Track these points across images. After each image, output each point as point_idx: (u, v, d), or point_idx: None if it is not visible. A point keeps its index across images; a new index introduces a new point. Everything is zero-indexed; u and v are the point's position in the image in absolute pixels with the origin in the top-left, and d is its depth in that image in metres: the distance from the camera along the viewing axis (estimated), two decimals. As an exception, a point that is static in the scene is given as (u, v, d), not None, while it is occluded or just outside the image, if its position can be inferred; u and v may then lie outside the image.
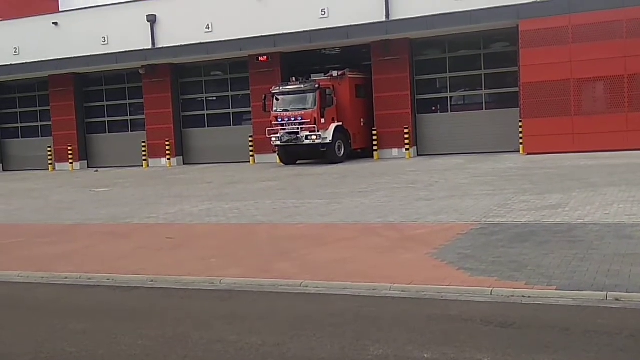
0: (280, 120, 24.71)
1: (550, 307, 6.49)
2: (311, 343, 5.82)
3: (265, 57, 27.24)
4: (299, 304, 7.24)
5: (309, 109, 24.26)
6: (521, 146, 23.73)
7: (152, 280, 8.59)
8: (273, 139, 24.95)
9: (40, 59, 30.70)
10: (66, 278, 9.06)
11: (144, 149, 30.29)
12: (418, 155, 26.25)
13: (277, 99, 24.98)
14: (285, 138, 24.55)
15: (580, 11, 22.29)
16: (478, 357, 5.26)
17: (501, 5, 23.21)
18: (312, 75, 25.75)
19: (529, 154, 23.11)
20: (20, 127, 34.70)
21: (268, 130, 25.08)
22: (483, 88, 25.87)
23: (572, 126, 22.76)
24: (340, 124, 25.05)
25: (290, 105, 24.69)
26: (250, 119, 28.61)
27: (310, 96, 24.38)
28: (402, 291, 7.28)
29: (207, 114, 30.43)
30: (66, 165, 31.99)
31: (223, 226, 12.50)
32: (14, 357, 5.98)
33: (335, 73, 25.33)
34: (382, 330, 6.02)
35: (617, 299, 6.48)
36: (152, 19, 29.64)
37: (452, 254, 8.68)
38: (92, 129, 32.76)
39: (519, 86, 23.95)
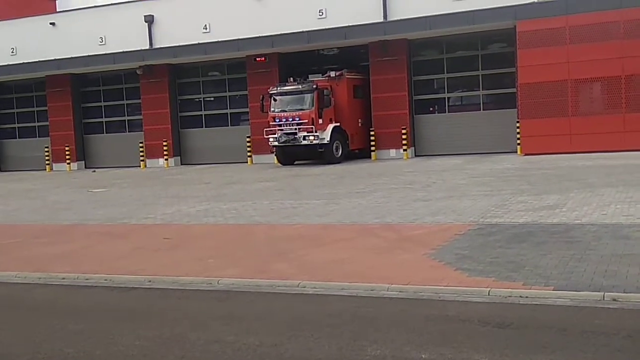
0: (278, 120, 24.70)
1: (547, 307, 6.50)
2: (309, 343, 5.82)
3: (263, 58, 27.26)
4: (297, 304, 7.24)
5: (307, 109, 24.26)
6: (519, 147, 23.75)
7: (149, 281, 8.59)
8: (271, 139, 24.94)
9: (37, 59, 30.66)
10: (63, 279, 9.06)
11: (141, 149, 30.26)
12: (416, 155, 26.26)
13: (275, 100, 24.98)
14: (283, 138, 24.55)
15: (578, 12, 22.33)
16: (475, 357, 5.27)
17: (499, 6, 23.23)
18: (309, 75, 25.75)
19: (526, 154, 23.13)
20: (18, 127, 34.66)
21: (266, 130, 25.07)
22: (481, 89, 25.90)
23: (569, 127, 22.78)
24: (338, 124, 25.06)
25: (288, 106, 24.68)
26: (248, 120, 28.61)
27: (308, 97, 24.38)
28: (400, 292, 7.29)
29: (204, 115, 30.42)
30: (63, 166, 31.94)
31: (221, 227, 12.49)
32: (12, 357, 5.97)
33: (333, 73, 25.33)
34: (380, 331, 6.03)
35: (614, 300, 6.49)
36: (149, 20, 29.63)
37: (449, 255, 8.69)
38: (89, 130, 32.73)
39: (516, 87, 23.98)
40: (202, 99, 30.59)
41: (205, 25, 28.40)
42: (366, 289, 7.46)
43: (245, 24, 27.19)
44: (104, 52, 29.68)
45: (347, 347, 5.66)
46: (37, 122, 33.82)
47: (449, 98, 26.64)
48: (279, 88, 25.13)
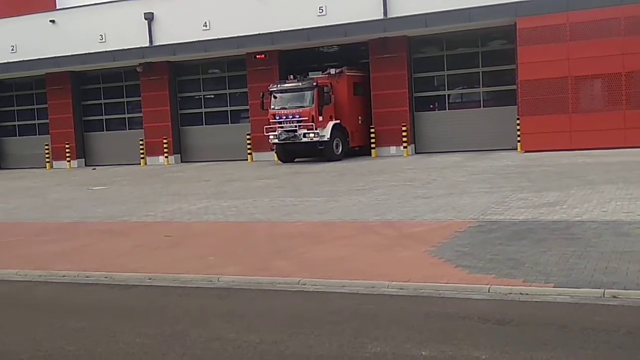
0: (278, 118, 24.69)
1: (547, 304, 6.51)
2: (309, 341, 5.83)
3: (263, 55, 27.24)
4: (297, 301, 7.24)
5: (307, 106, 24.25)
6: (519, 144, 23.75)
7: (150, 278, 8.59)
8: (271, 136, 24.94)
9: (37, 57, 30.66)
10: (64, 276, 9.06)
11: (141, 146, 30.26)
12: (416, 153, 26.26)
13: (275, 97, 24.97)
14: (283, 136, 24.54)
15: (578, 9, 22.31)
16: (476, 354, 5.27)
17: (499, 2, 23.21)
18: (310, 73, 25.72)
19: (526, 151, 23.13)
20: (18, 125, 34.66)
21: (266, 128, 25.06)
22: (481, 86, 25.89)
23: (569, 124, 22.78)
24: (338, 121, 25.05)
25: (288, 103, 24.67)
26: (248, 117, 28.61)
27: (308, 94, 24.37)
28: (400, 289, 7.29)
29: (204, 112, 30.42)
30: (64, 164, 31.94)
31: (221, 224, 12.50)
32: (13, 355, 5.98)
33: (333, 71, 25.32)
34: (380, 328, 6.03)
35: (614, 296, 6.50)
36: (149, 17, 29.61)
37: (450, 252, 8.69)
38: (89, 127, 32.73)
39: (516, 84, 23.97)
40: (202, 97, 30.58)
41: (205, 23, 28.37)
42: (366, 286, 7.47)
43: (245, 22, 27.16)
44: (104, 50, 29.66)
45: (348, 344, 5.67)
46: (37, 119, 33.82)
47: (449, 95, 26.63)
48: (279, 85, 25.12)
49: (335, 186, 17.01)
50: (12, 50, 32.21)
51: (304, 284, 7.75)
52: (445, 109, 26.56)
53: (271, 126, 24.83)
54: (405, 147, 25.64)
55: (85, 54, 29.73)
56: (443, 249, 8.92)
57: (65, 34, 31.05)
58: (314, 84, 24.34)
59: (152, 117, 30.33)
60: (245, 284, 8.00)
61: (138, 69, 30.05)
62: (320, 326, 6.21)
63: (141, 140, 30.35)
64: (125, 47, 29.21)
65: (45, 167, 32.29)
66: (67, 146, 31.80)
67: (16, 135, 34.73)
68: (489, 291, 6.96)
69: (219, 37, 27.43)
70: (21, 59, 31.19)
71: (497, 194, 13.56)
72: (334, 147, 24.83)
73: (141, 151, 30.27)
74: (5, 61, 31.61)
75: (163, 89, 30.06)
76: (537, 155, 21.54)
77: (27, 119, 34.24)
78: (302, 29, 25.86)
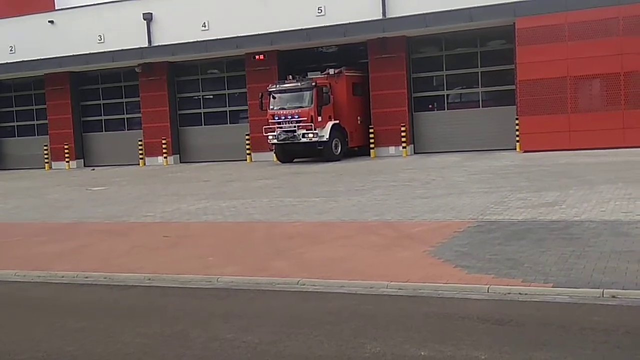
0: (277, 118, 24.69)
1: (546, 304, 6.51)
2: (308, 341, 5.83)
3: (262, 56, 27.24)
4: (296, 302, 7.24)
5: (306, 107, 24.26)
6: (518, 144, 23.76)
7: (149, 279, 8.59)
8: (270, 137, 24.94)
9: (36, 58, 30.65)
10: (63, 277, 9.05)
11: (140, 147, 30.26)
12: (415, 153, 26.26)
13: (274, 97, 24.97)
14: (282, 136, 24.54)
15: (577, 9, 22.33)
16: (475, 354, 5.28)
17: (498, 3, 23.23)
18: (309, 73, 25.73)
19: (525, 151, 23.14)
20: (17, 125, 34.64)
21: (265, 128, 25.06)
22: (480, 86, 25.90)
23: (568, 124, 22.79)
24: (337, 122, 25.05)
25: (287, 104, 24.68)
26: (247, 117, 28.61)
27: (307, 94, 24.37)
28: (399, 289, 7.29)
29: (203, 112, 30.42)
30: (63, 164, 31.93)
31: (220, 224, 12.49)
32: (12, 355, 5.97)
33: (332, 71, 25.32)
34: (379, 328, 6.03)
35: (613, 296, 6.50)
36: (148, 17, 29.61)
37: (449, 252, 8.70)
38: (88, 128, 32.72)
39: (515, 84, 23.98)
40: (201, 97, 30.58)
41: (204, 23, 28.37)
42: (365, 287, 7.46)
43: (244, 22, 27.16)
44: (103, 50, 29.65)
45: (347, 344, 5.67)
46: (36, 120, 33.81)
47: (448, 95, 26.64)
48: (278, 86, 25.12)
49: (334, 186, 17.01)
50: (11, 50, 32.20)
51: (303, 285, 7.75)
52: (444, 109, 26.57)
53: (270, 126, 24.83)
54: (404, 147, 25.65)
55: (84, 54, 29.73)
56: (442, 249, 8.92)
57: (64, 34, 31.05)
58: (313, 84, 24.34)
59: (151, 117, 30.32)
60: (244, 285, 8.00)
61: (137, 70, 30.04)
62: (319, 326, 6.21)
63: (140, 140, 30.35)
64: (124, 48, 29.21)
65: (44, 168, 32.28)
66: (66, 147, 31.78)
67: (15, 136, 34.72)
68: (488, 291, 6.96)
69: (218, 37, 27.42)
70: (20, 60, 31.18)
71: (496, 194, 13.57)
72: (333, 148, 24.83)
73: (140, 152, 30.27)
74: (4, 62, 31.60)
75: (162, 90, 30.06)
76: (536, 155, 21.55)
77: (26, 119, 34.22)
78: (301, 29, 25.86)
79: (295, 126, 24.27)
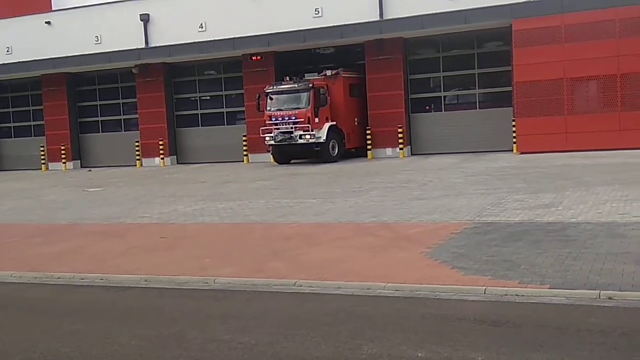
0: (274, 119, 24.69)
1: (543, 305, 6.51)
2: (305, 342, 5.82)
3: (259, 57, 27.23)
4: (293, 303, 7.24)
5: (303, 108, 24.25)
6: (514, 145, 23.78)
7: (146, 280, 8.58)
8: (267, 138, 24.93)
9: (33, 58, 30.57)
10: (59, 278, 9.04)
11: (137, 148, 30.22)
12: (412, 154, 26.27)
13: (271, 99, 24.96)
14: (279, 137, 24.54)
15: (573, 10, 22.36)
16: (472, 355, 5.28)
17: (494, 4, 23.25)
18: (306, 74, 25.72)
19: (522, 153, 23.16)
20: (13, 126, 34.57)
21: (262, 129, 25.05)
22: (477, 87, 25.92)
23: (565, 125, 22.82)
24: (334, 123, 25.05)
25: (284, 105, 24.67)
26: (244, 119, 28.59)
27: (304, 95, 24.37)
28: (396, 290, 7.29)
29: (200, 114, 30.38)
30: (59, 165, 31.88)
31: (217, 226, 12.49)
32: (8, 357, 5.96)
33: (329, 72, 25.33)
34: (376, 330, 6.03)
35: (610, 298, 6.51)
36: (145, 18, 29.59)
37: (445, 253, 8.70)
38: (85, 129, 32.66)
39: (512, 85, 24.00)
40: (198, 98, 30.55)
41: (201, 24, 28.37)
42: (362, 288, 7.46)
43: (241, 23, 27.16)
44: (99, 51, 29.60)
45: (344, 345, 5.66)
46: (33, 121, 33.74)
47: (445, 97, 26.66)
48: (275, 87, 25.11)
49: (331, 188, 17.01)
50: (8, 51, 32.15)
51: (300, 286, 7.75)
52: (441, 111, 26.58)
53: (267, 128, 24.82)
54: (401, 149, 25.65)
55: (81, 55, 29.66)
56: (439, 250, 8.92)
57: (61, 35, 31.00)
58: (310, 85, 24.34)
59: (147, 118, 30.28)
60: (241, 286, 7.99)
61: (134, 71, 30.00)
62: (316, 328, 6.21)
63: (137, 141, 30.31)
64: (121, 49, 29.16)
65: (41, 169, 32.21)
66: (62, 148, 31.73)
67: (11, 137, 34.63)
68: (484, 292, 6.96)
69: (215, 38, 27.40)
70: (17, 60, 31.11)
71: (493, 196, 13.58)
72: (330, 149, 24.83)
73: (137, 153, 30.23)
74: (1, 62, 31.53)
75: (159, 91, 30.03)
76: (532, 157, 21.58)
77: (23, 120, 34.15)
78: (298, 31, 25.86)
79: (292, 127, 24.26)
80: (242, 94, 28.55)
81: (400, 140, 25.57)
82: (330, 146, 24.79)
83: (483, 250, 8.71)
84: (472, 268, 7.86)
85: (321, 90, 24.71)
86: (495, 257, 8.30)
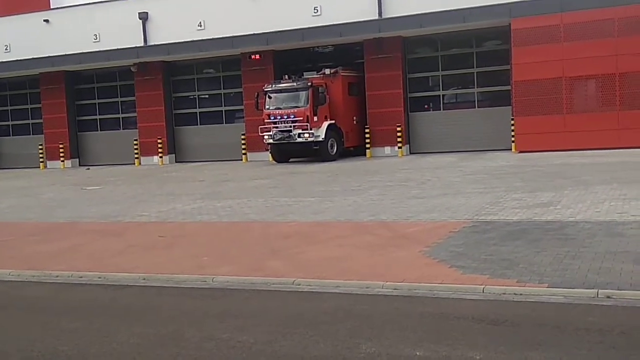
0: (272, 118, 24.67)
1: (541, 304, 6.51)
2: (303, 341, 5.82)
3: (257, 55, 27.21)
4: (291, 302, 7.24)
5: (302, 107, 24.24)
6: (513, 144, 23.79)
7: (144, 279, 8.57)
8: (265, 137, 24.92)
9: (31, 57, 30.57)
10: (58, 276, 9.03)
11: (135, 146, 30.21)
12: (410, 153, 26.28)
13: (270, 97, 24.95)
14: (278, 136, 24.53)
15: (572, 10, 22.36)
16: (470, 354, 5.28)
17: (493, 3, 23.26)
18: (304, 73, 25.71)
19: (521, 152, 23.17)
20: (11, 125, 34.54)
21: (260, 128, 25.04)
22: (475, 86, 25.92)
23: (564, 124, 22.83)
24: (333, 122, 25.04)
25: (282, 103, 24.66)
26: (243, 117, 28.58)
27: (302, 94, 24.36)
28: (395, 289, 7.29)
29: (199, 112, 30.37)
30: (57, 163, 31.86)
31: (215, 224, 12.48)
32: (6, 355, 5.95)
33: (328, 71, 25.33)
34: (375, 328, 6.03)
35: (608, 297, 6.51)
36: (143, 17, 29.56)
37: (444, 252, 8.70)
38: (83, 127, 32.64)
39: (511, 84, 24.01)
40: (196, 97, 30.54)
41: (200, 23, 28.34)
42: (361, 287, 7.46)
43: (240, 21, 27.14)
44: (98, 49, 29.59)
45: (342, 344, 5.66)
46: (31, 119, 33.72)
47: (443, 95, 26.67)
48: (273, 85, 25.09)
49: (329, 186, 17.01)
50: (6, 49, 32.11)
51: (298, 284, 7.75)
52: (440, 110, 26.59)
53: (266, 126, 24.81)
54: (399, 148, 25.66)
55: (80, 53, 29.65)
56: (437, 249, 8.93)
57: (60, 33, 30.97)
58: (309, 84, 24.33)
59: (146, 116, 30.26)
60: (240, 284, 7.99)
61: (132, 69, 29.98)
62: (314, 326, 6.21)
63: (135, 140, 30.29)
64: (119, 47, 29.15)
65: (39, 167, 32.19)
66: (61, 146, 31.70)
67: (10, 135, 34.60)
68: (483, 291, 6.96)
69: (214, 37, 27.38)
70: (15, 59, 31.09)
71: (492, 195, 13.58)
72: (329, 147, 24.83)
73: (135, 151, 30.21)
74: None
75: (157, 89, 30.00)
76: (531, 156, 21.58)
77: (21, 118, 34.13)
78: (297, 29, 25.84)
79: (291, 126, 24.25)
80: (241, 92, 28.55)
81: (399, 139, 25.57)
82: (329, 145, 24.79)
83: (481, 249, 8.71)
84: (471, 267, 7.87)
85: (320, 88, 24.70)
86: (493, 256, 8.30)
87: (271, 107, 24.85)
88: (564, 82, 22.81)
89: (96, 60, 29.65)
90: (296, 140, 24.31)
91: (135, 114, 30.84)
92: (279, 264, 8.80)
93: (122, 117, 32.01)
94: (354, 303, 6.94)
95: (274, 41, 26.56)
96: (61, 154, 31.73)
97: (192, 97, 30.57)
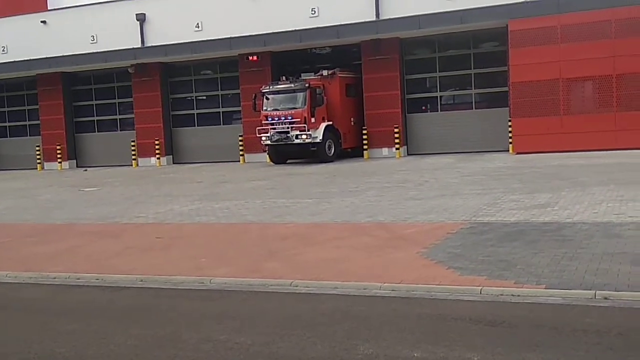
0: (270, 119, 24.68)
1: (539, 305, 6.52)
2: (301, 342, 5.82)
3: (255, 57, 27.21)
4: (289, 303, 7.23)
5: (299, 108, 24.25)
6: (510, 145, 23.82)
7: (141, 280, 8.56)
8: (263, 138, 24.92)
9: (28, 58, 30.55)
10: (55, 278, 9.02)
11: (133, 148, 30.19)
12: (408, 154, 26.29)
13: (267, 98, 24.96)
14: (276, 137, 24.52)
15: (569, 11, 22.41)
16: (468, 355, 5.28)
17: (491, 5, 23.29)
18: (302, 74, 25.73)
19: (518, 153, 23.20)
20: (9, 126, 34.51)
21: (258, 129, 25.04)
22: (473, 87, 25.96)
23: (561, 125, 22.87)
24: (331, 123, 25.06)
25: (280, 105, 24.66)
26: (240, 118, 28.58)
27: (300, 95, 24.36)
28: (392, 290, 7.29)
29: (196, 113, 30.37)
30: (55, 165, 31.82)
31: (213, 226, 12.47)
32: (3, 357, 5.94)
33: (325, 72, 25.33)
34: (372, 330, 6.03)
35: (605, 298, 6.52)
36: (141, 18, 29.55)
37: (442, 253, 8.70)
38: (81, 128, 32.61)
39: (508, 86, 24.05)
40: (194, 98, 30.54)
41: (198, 24, 28.34)
42: (358, 288, 7.46)
43: (238, 23, 27.15)
44: (95, 51, 29.58)
45: (340, 346, 5.66)
46: (28, 120, 33.68)
47: (441, 97, 26.69)
48: (271, 87, 25.10)
49: (327, 188, 17.01)
50: (3, 51, 32.10)
51: (296, 286, 7.74)
52: (438, 111, 26.63)
53: (263, 127, 24.81)
54: (397, 149, 25.68)
55: (77, 54, 29.64)
56: (435, 250, 8.93)
57: (57, 34, 30.95)
58: (306, 85, 24.34)
59: (143, 118, 30.24)
60: (237, 286, 7.98)
61: (130, 70, 29.97)
62: (312, 328, 6.21)
63: (133, 141, 30.27)
64: (116, 48, 29.13)
65: (37, 169, 32.15)
66: (58, 147, 31.67)
67: (7, 137, 34.57)
68: (480, 293, 6.97)
69: (211, 38, 27.39)
70: (12, 60, 31.07)
71: (489, 196, 13.59)
72: (326, 149, 24.83)
73: (133, 152, 30.19)
74: (-4, 62, 31.51)
75: (155, 90, 29.99)
76: (528, 157, 21.61)
77: (18, 119, 34.10)
78: (295, 31, 25.86)
79: (288, 127, 24.26)
80: (239, 93, 28.54)
81: (397, 140, 25.59)
82: (326, 146, 24.79)
83: (479, 251, 8.72)
84: (468, 268, 7.87)
85: (317, 90, 24.72)
86: (491, 257, 8.30)
87: (269, 109, 24.85)
88: (561, 84, 22.85)
89: (93, 61, 29.64)
90: (294, 142, 24.32)
91: (132, 115, 30.82)
92: (276, 265, 8.80)
93: (120, 119, 31.99)
94: (351, 304, 6.94)
95: (271, 42, 26.57)
96: (58, 156, 31.69)
97: (189, 98, 30.56)
